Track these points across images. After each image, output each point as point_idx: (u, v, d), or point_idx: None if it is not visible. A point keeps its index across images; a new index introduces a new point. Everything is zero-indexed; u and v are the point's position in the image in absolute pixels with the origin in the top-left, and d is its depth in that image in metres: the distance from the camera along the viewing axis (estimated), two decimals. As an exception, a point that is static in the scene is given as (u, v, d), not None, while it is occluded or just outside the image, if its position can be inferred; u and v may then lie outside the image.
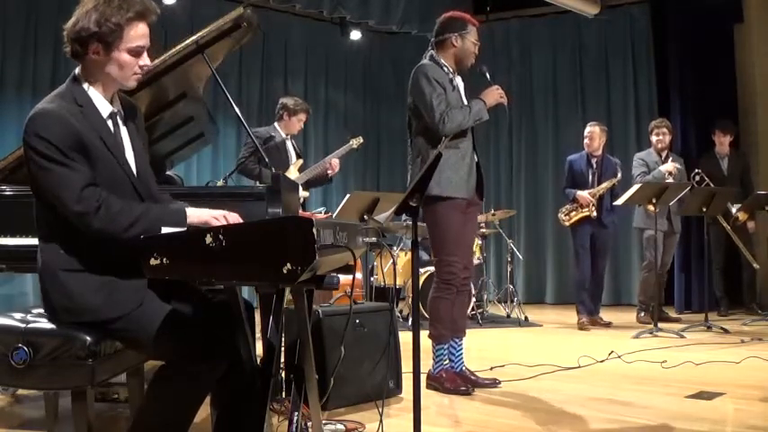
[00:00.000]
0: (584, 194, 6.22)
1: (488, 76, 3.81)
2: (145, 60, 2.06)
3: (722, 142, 7.06)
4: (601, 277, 6.42)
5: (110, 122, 2.07)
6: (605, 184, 6.23)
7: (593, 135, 6.34)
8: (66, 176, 1.91)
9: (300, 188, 5.19)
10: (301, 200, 5.26)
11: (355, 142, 5.60)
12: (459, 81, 3.81)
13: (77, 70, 2.06)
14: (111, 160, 2.02)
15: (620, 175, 6.31)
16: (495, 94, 3.72)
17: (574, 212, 6.31)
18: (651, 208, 5.83)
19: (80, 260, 1.97)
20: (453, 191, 3.60)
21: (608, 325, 6.24)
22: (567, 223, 6.39)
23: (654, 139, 6.57)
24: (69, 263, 1.96)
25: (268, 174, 4.76)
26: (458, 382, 3.66)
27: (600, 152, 6.36)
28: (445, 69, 3.71)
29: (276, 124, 5.36)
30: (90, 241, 1.95)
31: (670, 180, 6.22)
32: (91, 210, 1.90)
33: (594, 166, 6.35)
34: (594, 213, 6.18)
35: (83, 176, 1.93)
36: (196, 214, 2.02)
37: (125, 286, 1.97)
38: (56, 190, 1.92)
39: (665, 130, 6.55)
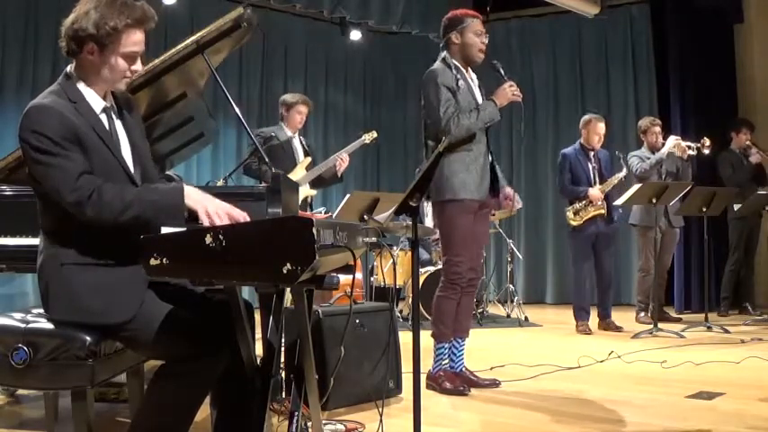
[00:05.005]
0: (595, 192, 5.82)
1: (501, 70, 3.72)
2: (137, 65, 2.09)
3: (747, 139, 7.00)
4: (610, 276, 6.05)
5: (103, 117, 2.08)
6: (614, 180, 5.87)
7: (601, 130, 5.92)
8: (60, 167, 1.91)
9: (308, 186, 5.20)
10: (309, 199, 5.27)
11: (368, 137, 5.48)
12: (471, 79, 3.77)
13: (69, 68, 2.08)
14: (106, 152, 2.02)
15: (625, 168, 6.03)
16: (506, 93, 3.66)
17: (583, 211, 5.88)
18: (651, 204, 5.64)
19: (85, 254, 1.97)
20: (464, 193, 3.59)
21: (619, 329, 5.87)
22: (578, 223, 5.92)
23: (652, 139, 6.41)
24: (74, 256, 1.97)
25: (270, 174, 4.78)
26: (457, 382, 3.67)
27: (598, 145, 6.02)
28: (454, 71, 3.67)
29: (281, 123, 5.38)
30: (94, 234, 1.95)
31: (677, 154, 6.11)
32: (84, 198, 1.90)
33: (593, 160, 5.98)
34: (605, 211, 5.86)
35: (77, 165, 1.93)
36: (194, 196, 1.96)
37: (126, 289, 1.97)
38: (52, 182, 1.92)
39: (658, 129, 6.45)
